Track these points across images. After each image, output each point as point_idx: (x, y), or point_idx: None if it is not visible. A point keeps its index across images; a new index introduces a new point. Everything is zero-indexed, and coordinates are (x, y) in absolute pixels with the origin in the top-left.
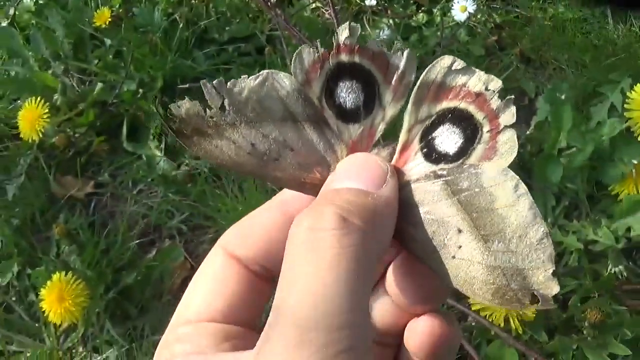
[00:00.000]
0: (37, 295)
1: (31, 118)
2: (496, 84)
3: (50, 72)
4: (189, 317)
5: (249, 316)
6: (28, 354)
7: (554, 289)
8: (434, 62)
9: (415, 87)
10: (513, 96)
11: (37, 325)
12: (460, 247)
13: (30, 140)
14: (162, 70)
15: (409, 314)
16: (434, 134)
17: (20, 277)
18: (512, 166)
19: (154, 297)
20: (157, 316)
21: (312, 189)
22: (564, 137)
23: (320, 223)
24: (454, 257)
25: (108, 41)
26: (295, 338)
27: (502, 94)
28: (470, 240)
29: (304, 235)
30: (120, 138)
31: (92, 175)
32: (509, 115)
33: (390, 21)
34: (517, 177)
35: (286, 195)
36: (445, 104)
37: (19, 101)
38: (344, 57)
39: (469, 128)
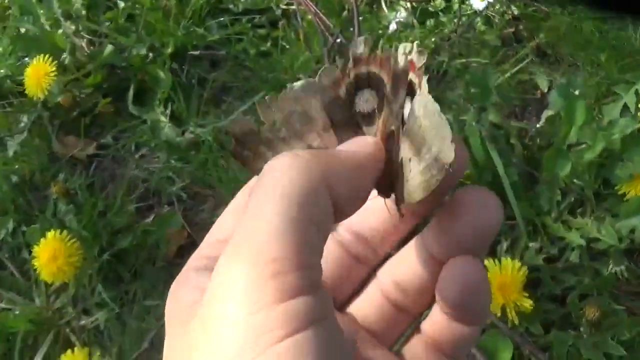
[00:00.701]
0: (30, 253)
1: (38, 75)
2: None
3: (60, 31)
4: (219, 237)
5: None
6: (17, 312)
7: (451, 155)
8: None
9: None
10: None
11: (28, 283)
12: (411, 171)
13: (35, 98)
14: (173, 36)
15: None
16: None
17: (15, 234)
18: (518, 158)
19: (148, 262)
20: (150, 281)
21: None
22: (575, 132)
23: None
24: (407, 180)
25: (121, 3)
26: (228, 259)
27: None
28: (414, 160)
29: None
30: (126, 101)
31: (95, 136)
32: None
33: (408, 4)
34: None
35: None
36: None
37: (26, 59)
38: (362, 69)
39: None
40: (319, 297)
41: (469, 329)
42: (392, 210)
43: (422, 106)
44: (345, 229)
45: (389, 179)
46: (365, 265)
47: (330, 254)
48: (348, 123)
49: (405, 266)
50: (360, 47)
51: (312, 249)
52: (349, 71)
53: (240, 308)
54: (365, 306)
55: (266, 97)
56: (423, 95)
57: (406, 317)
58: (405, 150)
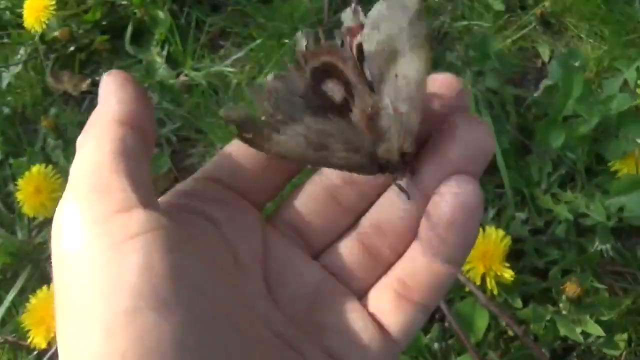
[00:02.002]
0: (16, 185)
1: (37, 8)
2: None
3: None
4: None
5: None
6: None
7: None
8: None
9: None
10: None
11: (12, 216)
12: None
13: (32, 31)
14: None
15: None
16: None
17: (2, 166)
18: (512, 126)
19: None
20: None
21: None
22: (572, 104)
23: None
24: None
25: None
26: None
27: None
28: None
29: None
30: (124, 40)
31: (90, 73)
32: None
33: None
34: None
35: None
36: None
37: None
38: (315, 63)
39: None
40: (150, 210)
41: (445, 270)
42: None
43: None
44: (332, 174)
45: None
46: (350, 212)
47: (314, 198)
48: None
49: (387, 206)
50: (302, 41)
51: (136, 173)
52: (306, 67)
53: (85, 220)
54: (340, 253)
55: (253, 86)
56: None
57: (379, 265)
58: (386, 100)
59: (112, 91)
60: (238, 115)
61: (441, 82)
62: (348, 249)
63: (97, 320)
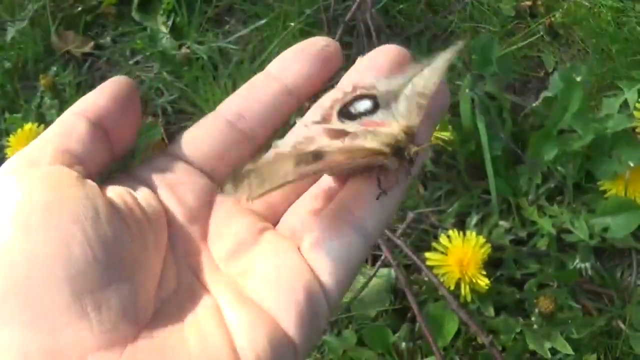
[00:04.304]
0: (8, 141)
1: None
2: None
3: None
4: None
5: None
6: None
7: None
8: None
9: None
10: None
11: None
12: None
13: None
14: None
15: None
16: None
17: None
18: (506, 134)
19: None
20: None
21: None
22: (569, 118)
23: None
24: None
25: None
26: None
27: None
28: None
29: None
30: (131, 5)
31: (94, 36)
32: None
33: None
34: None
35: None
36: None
37: None
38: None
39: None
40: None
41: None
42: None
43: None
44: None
45: None
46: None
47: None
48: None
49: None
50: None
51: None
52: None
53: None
54: None
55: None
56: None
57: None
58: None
59: (101, 87)
60: (235, 188)
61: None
62: None
63: None
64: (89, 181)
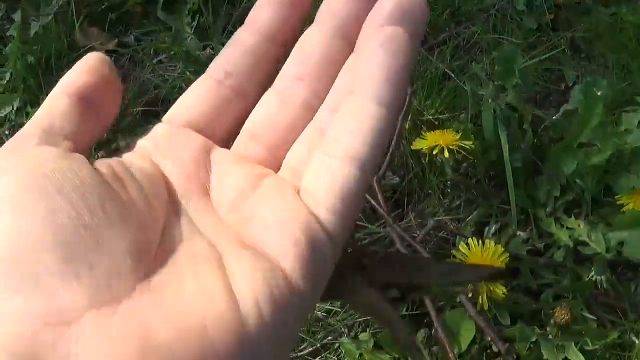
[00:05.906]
0: None
1: None
2: None
3: None
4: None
5: None
6: None
7: None
8: None
9: None
10: None
11: None
12: None
13: None
14: None
15: None
16: None
17: (19, 113)
18: (527, 145)
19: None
20: None
21: None
22: (588, 132)
23: None
24: None
25: None
26: None
27: None
28: None
29: None
30: (157, 5)
31: (118, 33)
32: None
33: None
34: None
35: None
36: None
37: None
38: None
39: None
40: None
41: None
42: None
43: None
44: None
45: None
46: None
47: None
48: None
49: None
50: None
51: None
52: None
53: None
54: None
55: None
56: None
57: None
58: None
59: (76, 65)
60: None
61: None
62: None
63: None
64: (75, 154)
